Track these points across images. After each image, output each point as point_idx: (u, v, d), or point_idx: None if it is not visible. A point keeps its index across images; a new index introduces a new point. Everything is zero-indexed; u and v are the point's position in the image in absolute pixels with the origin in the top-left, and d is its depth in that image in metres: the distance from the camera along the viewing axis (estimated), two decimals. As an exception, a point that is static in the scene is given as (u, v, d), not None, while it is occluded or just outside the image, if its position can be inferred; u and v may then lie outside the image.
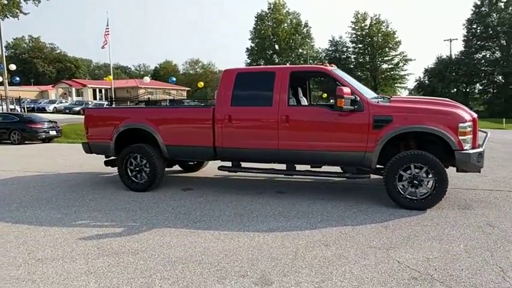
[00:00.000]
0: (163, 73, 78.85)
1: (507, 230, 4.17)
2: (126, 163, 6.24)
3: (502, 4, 46.00)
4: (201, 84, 32.97)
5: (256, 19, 66.77)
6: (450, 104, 5.25)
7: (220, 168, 5.96)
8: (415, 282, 3.04)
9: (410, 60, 58.18)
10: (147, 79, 38.09)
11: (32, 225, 4.62)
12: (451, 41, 50.32)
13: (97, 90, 51.58)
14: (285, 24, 66.24)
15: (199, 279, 3.18)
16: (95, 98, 48.25)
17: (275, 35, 65.61)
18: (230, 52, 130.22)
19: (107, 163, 6.87)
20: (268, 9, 65.69)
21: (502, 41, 46.49)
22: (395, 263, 3.40)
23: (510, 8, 45.34)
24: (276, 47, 67.37)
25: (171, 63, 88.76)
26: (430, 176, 4.79)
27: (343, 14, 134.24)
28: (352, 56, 63.98)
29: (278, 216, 4.82)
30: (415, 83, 57.17)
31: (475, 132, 4.89)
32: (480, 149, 4.81)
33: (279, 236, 4.11)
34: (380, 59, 60.90)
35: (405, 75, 59.89)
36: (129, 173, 6.27)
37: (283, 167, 5.81)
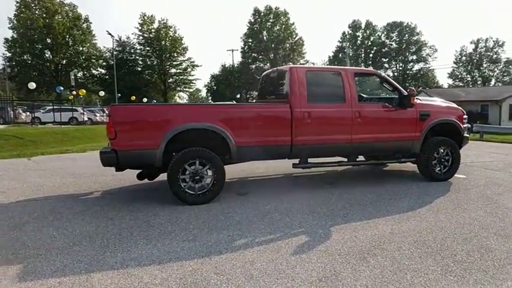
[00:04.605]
0: None
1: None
2: (179, 172, 5.17)
3: (269, 24, 56.65)
4: None
5: (17, 3, 55.80)
6: (449, 102, 7.23)
7: (295, 166, 5.90)
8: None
9: (198, 66, 62.76)
10: None
11: (188, 260, 3.52)
12: (232, 51, 57.84)
13: None
14: (60, 16, 58.33)
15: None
16: None
17: (48, 26, 56.69)
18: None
19: (142, 176, 5.33)
20: (36, -6, 56.17)
21: (271, 55, 57.24)
22: (519, 209, 4.90)
23: (275, 27, 56.44)
24: (49, 41, 58.34)
25: None
26: (450, 155, 6.58)
27: (130, 14, 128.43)
28: (140, 59, 63.05)
29: (379, 201, 5.41)
30: (205, 88, 62.32)
31: (463, 122, 7.05)
32: (467, 134, 6.98)
33: (424, 213, 4.87)
34: (169, 63, 62.75)
35: (193, 80, 64.20)
36: (182, 185, 5.22)
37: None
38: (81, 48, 60.02)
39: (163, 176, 6.30)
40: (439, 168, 6.53)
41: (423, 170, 6.51)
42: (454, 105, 7.06)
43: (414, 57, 60.56)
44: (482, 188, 6.09)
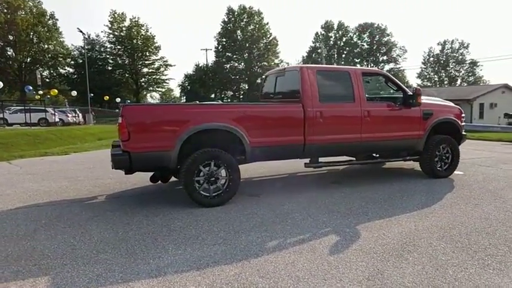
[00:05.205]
0: None
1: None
2: (194, 174, 5.05)
3: (243, 23, 56.51)
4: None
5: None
6: (446, 101, 7.45)
7: (307, 165, 5.90)
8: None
9: (171, 65, 61.75)
10: None
11: (226, 264, 3.43)
12: (206, 51, 57.35)
13: None
14: (23, 12, 55.62)
15: None
16: None
17: (10, 23, 53.89)
18: None
19: (155, 179, 5.14)
20: (-8, -12, 53.21)
21: (245, 55, 57.13)
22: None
23: (249, 27, 56.35)
24: (11, 37, 55.51)
25: None
26: (450, 152, 6.79)
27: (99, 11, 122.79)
28: (111, 57, 61.28)
29: (392, 199, 5.55)
30: (179, 88, 61.33)
31: (458, 120, 7.28)
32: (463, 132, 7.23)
33: (439, 209, 5.02)
34: (141, 63, 61.40)
35: (166, 79, 63.15)
36: (197, 186, 5.10)
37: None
38: (46, 46, 57.62)
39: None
40: (439, 166, 6.73)
41: (426, 168, 6.68)
42: (452, 103, 7.30)
43: (385, 57, 62.49)
44: (483, 184, 6.33)
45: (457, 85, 59.31)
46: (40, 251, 3.73)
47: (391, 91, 6.81)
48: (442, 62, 64.37)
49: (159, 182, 6.06)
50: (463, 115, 7.08)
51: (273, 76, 6.92)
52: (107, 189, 6.40)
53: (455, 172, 7.06)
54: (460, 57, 63.41)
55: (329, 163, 6.16)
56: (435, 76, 65.43)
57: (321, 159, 6.08)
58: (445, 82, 62.88)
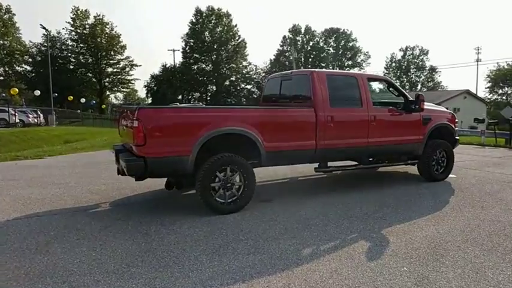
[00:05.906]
0: None
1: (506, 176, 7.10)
2: (210, 180, 4.90)
3: (211, 25, 56.03)
4: None
5: None
6: (440, 107, 7.73)
7: (317, 170, 5.90)
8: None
9: (137, 65, 59.93)
10: None
11: (270, 274, 3.36)
12: (174, 51, 56.24)
13: None
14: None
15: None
16: None
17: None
18: None
19: (170, 185, 4.92)
20: None
21: (213, 57, 56.63)
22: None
23: (218, 29, 55.99)
24: (-38, 33, 51.85)
25: None
26: (445, 156, 7.06)
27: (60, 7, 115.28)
28: (72, 56, 58.48)
29: (403, 203, 5.70)
30: (144, 88, 59.69)
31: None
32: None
33: (451, 213, 5.21)
34: (105, 62, 59.10)
35: (132, 80, 61.22)
36: (213, 193, 4.95)
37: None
38: (2, 42, 54.16)
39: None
40: (436, 169, 6.98)
41: (424, 171, 6.91)
42: (444, 108, 7.62)
43: (350, 62, 64.41)
44: (479, 187, 6.64)
45: (418, 90, 62.24)
46: (62, 266, 3.45)
47: (386, 96, 6.98)
48: (403, 67, 67.42)
49: (159, 187, 5.86)
50: (456, 120, 7.40)
51: (276, 80, 6.88)
52: (107, 196, 6.07)
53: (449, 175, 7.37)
54: (421, 63, 66.78)
55: (338, 168, 6.22)
56: (397, 81, 68.30)
57: (329, 164, 6.11)
58: (407, 87, 65.75)
